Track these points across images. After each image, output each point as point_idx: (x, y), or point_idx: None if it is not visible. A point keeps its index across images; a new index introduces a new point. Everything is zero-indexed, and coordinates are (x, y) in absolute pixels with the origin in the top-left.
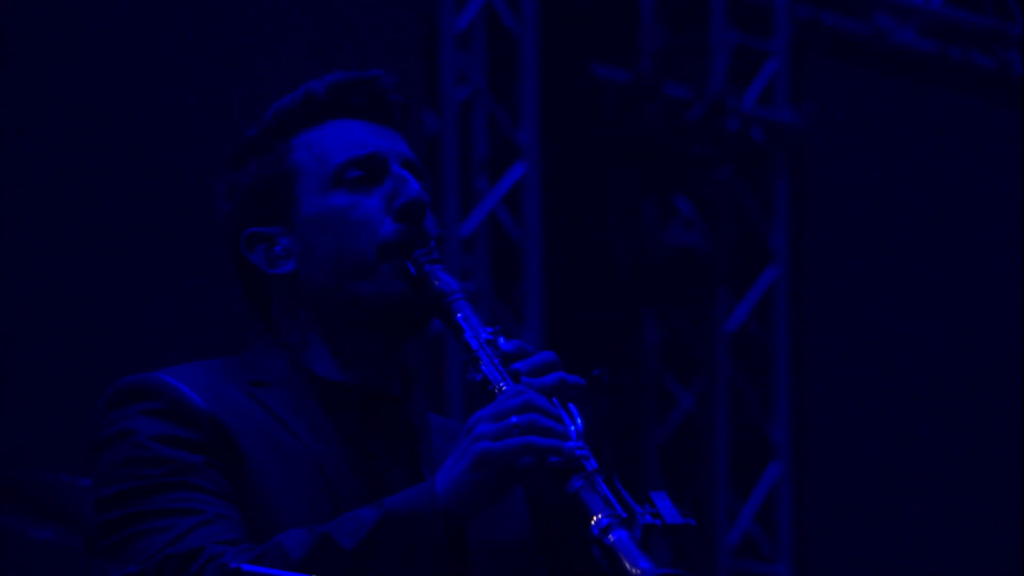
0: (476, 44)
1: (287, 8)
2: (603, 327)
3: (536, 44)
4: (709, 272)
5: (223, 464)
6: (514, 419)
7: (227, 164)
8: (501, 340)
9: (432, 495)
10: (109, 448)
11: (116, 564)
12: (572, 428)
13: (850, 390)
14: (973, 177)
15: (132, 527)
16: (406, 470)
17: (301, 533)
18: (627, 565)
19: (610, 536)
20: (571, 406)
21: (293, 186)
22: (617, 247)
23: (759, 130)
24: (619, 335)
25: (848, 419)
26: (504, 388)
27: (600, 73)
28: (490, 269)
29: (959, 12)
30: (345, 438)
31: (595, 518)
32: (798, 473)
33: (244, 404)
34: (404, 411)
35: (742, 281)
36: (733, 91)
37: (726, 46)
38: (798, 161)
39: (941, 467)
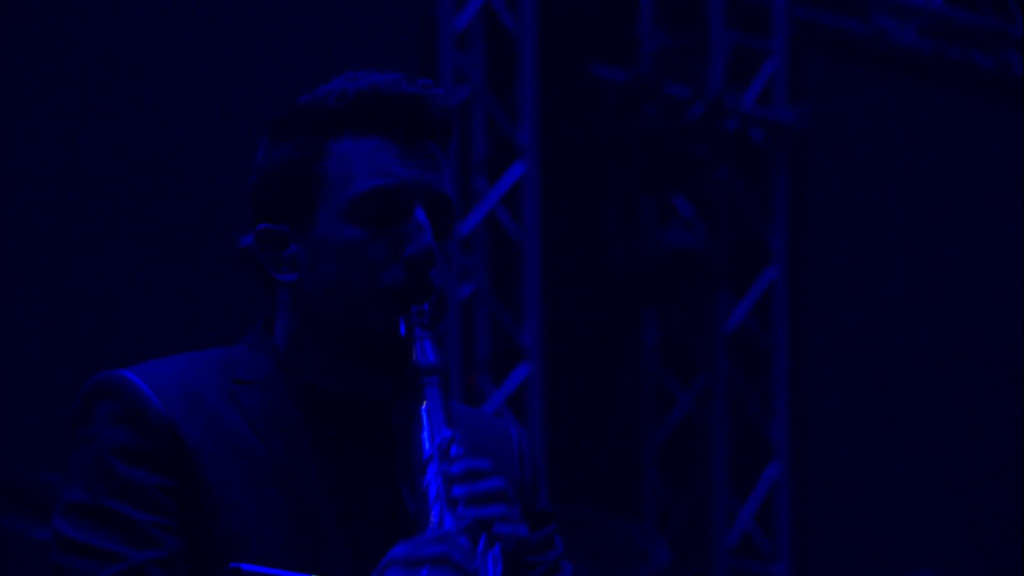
0: (475, 44)
1: (286, 7)
2: (602, 327)
3: (535, 44)
4: (708, 272)
5: (176, 482)
6: (425, 571)
7: (271, 129)
8: (455, 449)
9: None
10: (77, 446)
11: None
12: None
13: (849, 390)
14: (973, 177)
15: (55, 554)
16: (385, 484)
17: None
18: None
19: None
20: (497, 547)
21: (316, 197)
22: (616, 247)
23: (758, 130)
24: (618, 335)
25: (847, 419)
26: (435, 522)
27: (599, 73)
28: (489, 269)
29: (959, 12)
30: (322, 448)
31: None
32: (797, 473)
33: (218, 405)
34: (392, 419)
35: (741, 281)
36: (732, 91)
37: (725, 46)
38: (797, 161)
39: (940, 467)
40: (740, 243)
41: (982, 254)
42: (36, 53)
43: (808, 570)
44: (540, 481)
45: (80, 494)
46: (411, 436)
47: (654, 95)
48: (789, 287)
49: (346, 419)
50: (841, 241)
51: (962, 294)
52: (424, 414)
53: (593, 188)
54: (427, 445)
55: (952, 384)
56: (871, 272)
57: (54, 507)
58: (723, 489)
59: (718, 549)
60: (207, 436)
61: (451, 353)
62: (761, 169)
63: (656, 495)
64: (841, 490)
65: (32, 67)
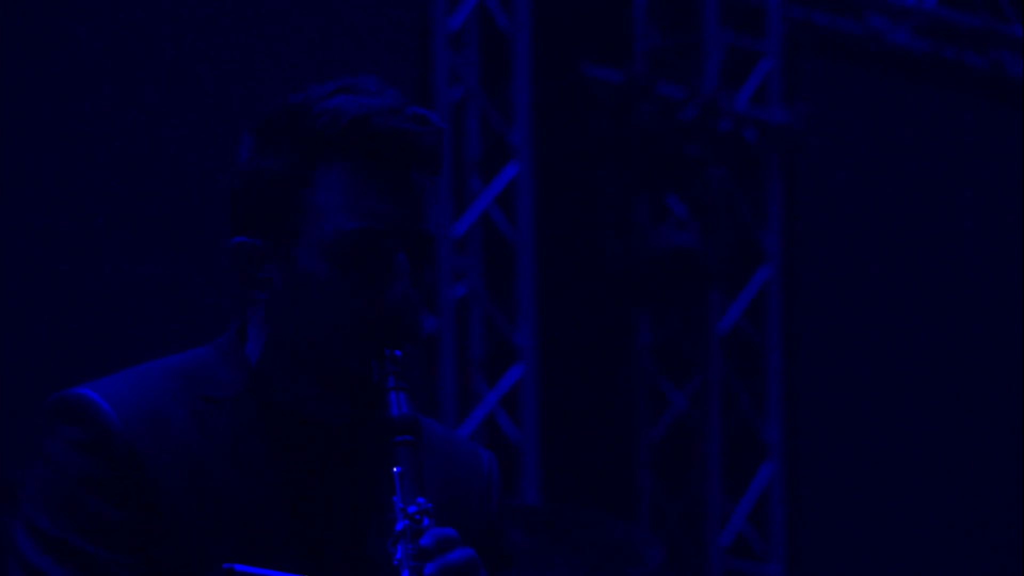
0: (469, 44)
1: (282, 8)
2: (596, 327)
3: (529, 44)
4: (702, 272)
5: (136, 512)
6: None
7: (259, 127)
8: (426, 521)
9: None
10: (39, 466)
11: None
12: None
13: (843, 390)
14: (967, 177)
15: (26, 568)
16: (351, 514)
17: None
18: None
19: None
20: None
21: (299, 223)
22: (610, 247)
23: (752, 130)
24: (611, 335)
25: (841, 419)
26: None
27: (593, 73)
28: (483, 269)
29: (952, 12)
30: (288, 475)
31: None
32: (791, 473)
33: (184, 429)
34: (360, 447)
35: (735, 281)
36: (726, 91)
37: (719, 46)
38: (791, 161)
39: (934, 467)
40: (734, 243)
41: (976, 254)
42: (36, 53)
43: (802, 570)
44: (504, 508)
45: (45, 521)
46: (377, 464)
47: (648, 95)
48: (783, 287)
49: (313, 444)
50: (835, 241)
51: (956, 293)
52: (397, 478)
53: (587, 188)
54: (399, 513)
55: (947, 384)
56: (865, 272)
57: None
58: (717, 489)
59: (712, 549)
60: (171, 464)
61: (445, 353)
62: (755, 169)
63: (650, 495)
64: (835, 490)
65: (32, 67)
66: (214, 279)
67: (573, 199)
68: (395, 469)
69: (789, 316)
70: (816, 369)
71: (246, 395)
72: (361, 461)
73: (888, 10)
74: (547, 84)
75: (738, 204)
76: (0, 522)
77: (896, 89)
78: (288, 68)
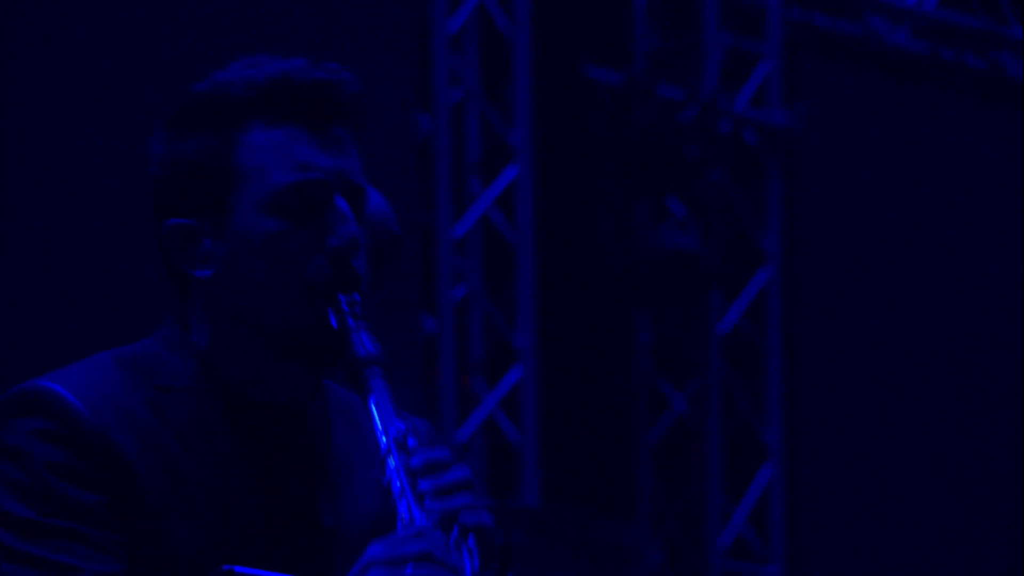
0: (469, 46)
1: (281, 9)
2: (596, 328)
3: (529, 46)
4: (702, 273)
5: (115, 498)
6: (409, 569)
7: (171, 119)
8: (411, 441)
9: None
10: (3, 461)
11: None
12: (468, 571)
13: (842, 391)
14: (966, 178)
15: (10, 568)
16: (306, 492)
17: None
18: None
19: None
20: (471, 538)
21: (230, 190)
22: (610, 248)
23: (752, 132)
24: (611, 336)
25: (840, 420)
26: (406, 519)
27: (593, 75)
28: (483, 270)
29: (952, 14)
30: (247, 457)
31: None
32: (790, 474)
33: (142, 416)
34: (309, 426)
35: (735, 283)
36: (726, 93)
37: (719, 48)
38: (791, 163)
39: (934, 468)
40: (734, 244)
41: (976, 254)
42: (36, 53)
43: (801, 571)
44: None
45: (22, 509)
46: (328, 442)
47: (648, 97)
48: (783, 288)
49: (266, 427)
50: (835, 242)
51: (956, 294)
52: (373, 407)
53: (587, 189)
54: (381, 439)
55: (947, 385)
56: (865, 273)
57: None
58: (717, 490)
59: (712, 550)
60: (140, 450)
61: (445, 355)
62: (755, 170)
63: (650, 496)
64: (834, 491)
65: (32, 67)
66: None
67: (573, 200)
68: (370, 400)
69: (789, 317)
70: (816, 370)
71: (199, 382)
72: (313, 439)
73: (888, 11)
74: (547, 85)
75: (738, 205)
76: None
77: (896, 90)
78: None
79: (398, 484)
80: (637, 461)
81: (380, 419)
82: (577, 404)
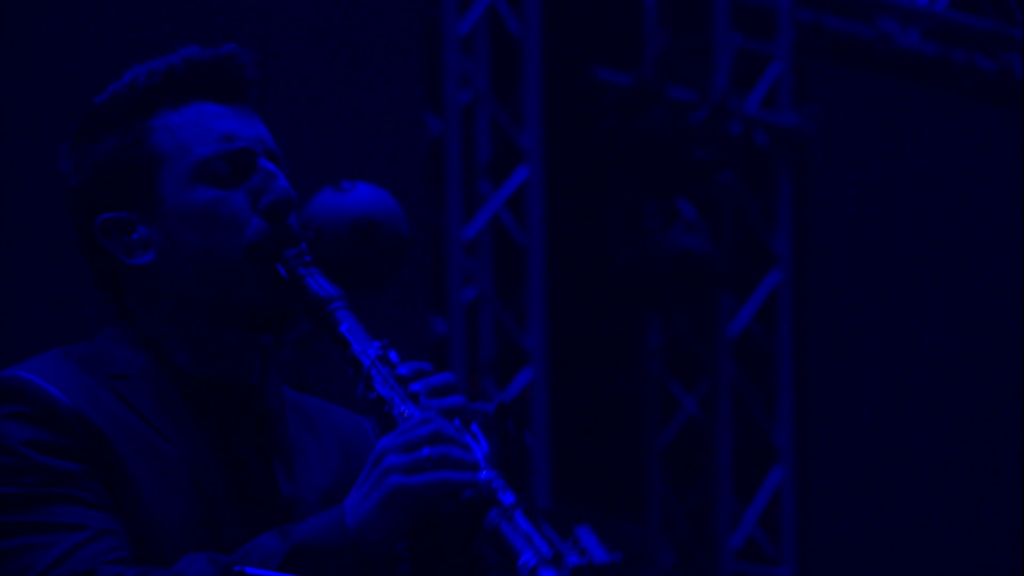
0: (479, 47)
1: (290, 10)
2: (606, 331)
3: (539, 47)
4: (712, 276)
5: (98, 470)
6: (426, 451)
7: (77, 131)
8: (392, 355)
9: (343, 528)
10: None
11: None
12: (480, 453)
13: (853, 393)
14: (976, 180)
15: (9, 540)
16: (263, 463)
17: (202, 561)
18: None
19: None
20: (474, 427)
21: (154, 173)
22: (620, 250)
23: (762, 134)
24: (622, 339)
25: (851, 422)
26: (407, 413)
27: (603, 76)
28: (493, 273)
29: (962, 15)
30: (207, 433)
31: (521, 558)
32: (801, 476)
33: (107, 398)
34: (261, 402)
35: (745, 285)
36: (736, 94)
37: (729, 49)
38: (801, 165)
39: (944, 470)
40: (744, 246)
41: (986, 257)
42: (36, 53)
43: (812, 573)
44: None
45: (7, 488)
46: (283, 420)
47: (658, 98)
48: (793, 290)
49: (224, 405)
50: (845, 244)
51: (966, 297)
52: (346, 333)
53: (597, 191)
54: (362, 357)
55: (957, 387)
56: (875, 275)
57: None
58: (727, 492)
59: (722, 552)
60: (112, 428)
61: (455, 357)
62: (765, 172)
63: (660, 498)
64: (845, 493)
65: (32, 67)
66: None
67: (583, 202)
68: (341, 327)
69: (799, 319)
70: (826, 372)
71: (151, 368)
72: (267, 415)
73: (898, 13)
74: (557, 87)
75: (748, 207)
76: None
77: (906, 92)
78: (298, 70)
79: (388, 391)
80: (647, 463)
81: (356, 342)
82: (587, 406)
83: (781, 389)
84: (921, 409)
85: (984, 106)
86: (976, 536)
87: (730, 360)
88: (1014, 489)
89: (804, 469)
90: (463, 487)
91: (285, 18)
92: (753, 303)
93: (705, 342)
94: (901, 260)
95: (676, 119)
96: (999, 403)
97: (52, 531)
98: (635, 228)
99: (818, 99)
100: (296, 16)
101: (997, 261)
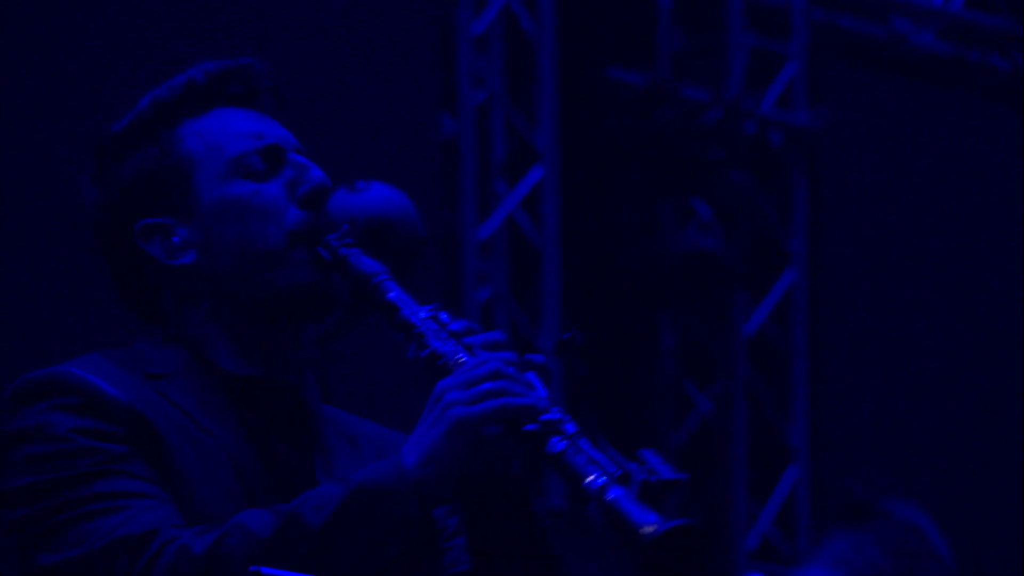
0: (493, 47)
1: (303, 11)
2: (620, 330)
3: (553, 47)
4: (726, 275)
5: (147, 455)
6: (486, 385)
7: (99, 155)
8: (443, 315)
9: (401, 469)
10: (22, 443)
11: (51, 550)
12: (542, 395)
13: (868, 393)
14: (991, 181)
15: (69, 512)
16: (302, 459)
17: (261, 513)
18: (634, 521)
19: (608, 495)
20: (531, 375)
21: (189, 176)
22: (634, 250)
23: (776, 133)
24: (636, 338)
25: (866, 421)
26: (464, 360)
27: (617, 76)
28: (508, 272)
29: (977, 15)
30: (247, 429)
31: (588, 479)
32: (816, 476)
33: (150, 394)
34: (301, 400)
35: (760, 284)
36: (750, 94)
37: (743, 49)
38: (815, 164)
39: (958, 469)
40: (758, 246)
41: (1001, 257)
42: (36, 53)
43: None
44: None
45: (58, 472)
46: (321, 416)
47: (672, 98)
48: (808, 290)
49: (266, 403)
50: (860, 244)
51: (982, 297)
52: (394, 300)
53: (611, 191)
54: (415, 320)
55: (971, 386)
56: (890, 275)
57: None
58: (742, 492)
59: (737, 552)
60: (159, 419)
61: None
62: (779, 172)
63: None
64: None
65: (32, 67)
66: None
67: (598, 202)
68: (389, 295)
69: (814, 319)
70: (841, 371)
71: (191, 366)
72: (306, 411)
73: (913, 12)
74: (572, 87)
75: (763, 207)
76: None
77: (920, 91)
78: (312, 71)
79: (443, 344)
80: None
81: (404, 306)
82: (600, 406)
83: (796, 388)
84: (936, 408)
85: (998, 106)
86: (991, 533)
87: (745, 360)
88: None
89: (819, 468)
90: (525, 414)
91: (300, 19)
92: (768, 303)
93: (720, 342)
94: (916, 259)
95: (690, 119)
96: (1014, 401)
97: (116, 498)
98: (650, 228)
99: (832, 99)
100: (311, 17)
101: (1013, 261)
